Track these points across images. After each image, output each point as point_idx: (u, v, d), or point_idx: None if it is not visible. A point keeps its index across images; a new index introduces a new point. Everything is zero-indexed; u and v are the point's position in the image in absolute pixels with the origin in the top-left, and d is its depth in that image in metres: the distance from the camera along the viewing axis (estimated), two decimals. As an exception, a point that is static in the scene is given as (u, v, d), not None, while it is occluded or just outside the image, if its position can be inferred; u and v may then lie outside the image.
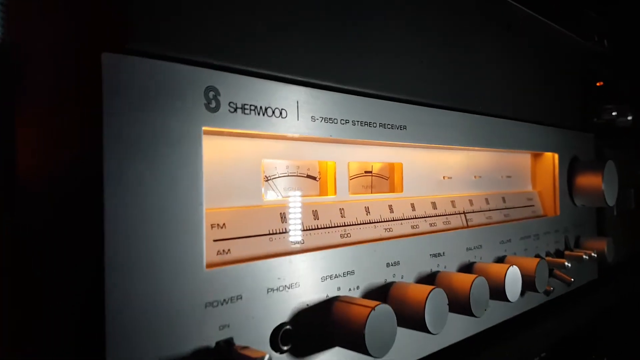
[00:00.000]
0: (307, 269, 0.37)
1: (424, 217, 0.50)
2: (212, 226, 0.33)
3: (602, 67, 0.91)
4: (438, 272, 0.48)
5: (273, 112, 0.35)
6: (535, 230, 0.64)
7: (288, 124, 0.36)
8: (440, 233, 0.49)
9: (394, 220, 0.47)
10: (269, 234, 0.37)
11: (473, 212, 0.57)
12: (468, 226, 0.55)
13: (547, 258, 0.64)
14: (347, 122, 0.40)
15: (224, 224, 0.34)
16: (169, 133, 0.29)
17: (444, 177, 0.54)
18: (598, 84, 0.92)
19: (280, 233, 0.37)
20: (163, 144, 0.29)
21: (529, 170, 0.70)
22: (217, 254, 0.33)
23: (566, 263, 0.62)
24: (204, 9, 0.31)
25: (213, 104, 0.31)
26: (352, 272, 0.40)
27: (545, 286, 0.56)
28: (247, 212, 0.36)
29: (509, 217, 0.62)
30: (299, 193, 0.41)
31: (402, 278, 0.44)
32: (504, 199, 0.63)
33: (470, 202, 0.57)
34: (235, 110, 0.33)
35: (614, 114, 0.90)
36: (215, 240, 0.34)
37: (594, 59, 0.86)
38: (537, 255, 0.64)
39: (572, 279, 0.64)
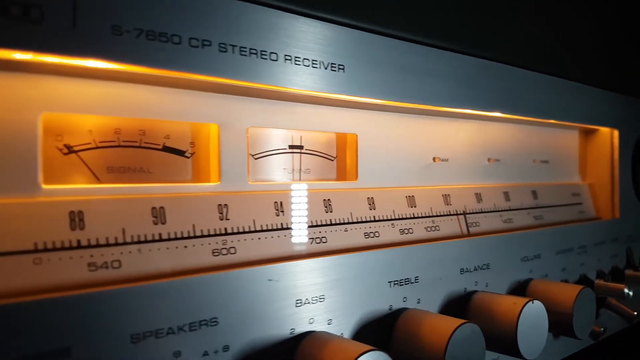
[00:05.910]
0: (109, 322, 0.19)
1: (390, 220, 0.31)
2: None
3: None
4: (405, 308, 0.29)
5: (5, 9, 0.17)
6: (582, 240, 0.44)
7: (42, 34, 0.18)
8: (419, 245, 0.30)
9: (331, 225, 0.28)
10: (35, 251, 0.19)
11: (482, 212, 0.37)
12: (470, 235, 0.36)
13: (599, 281, 0.44)
14: (203, 43, 0.22)
15: None
16: None
17: (434, 159, 0.35)
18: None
19: (64, 249, 0.20)
20: None
21: (576, 153, 0.50)
22: None
23: (626, 290, 0.42)
24: None
25: None
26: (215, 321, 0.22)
27: (591, 327, 0.37)
28: (-14, 209, 0.19)
29: (541, 221, 0.43)
30: (144, 177, 0.24)
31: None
32: (535, 194, 0.43)
33: (478, 196, 0.38)
34: None
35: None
36: None
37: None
38: (582, 278, 0.43)
39: (636, 312, 0.44)
